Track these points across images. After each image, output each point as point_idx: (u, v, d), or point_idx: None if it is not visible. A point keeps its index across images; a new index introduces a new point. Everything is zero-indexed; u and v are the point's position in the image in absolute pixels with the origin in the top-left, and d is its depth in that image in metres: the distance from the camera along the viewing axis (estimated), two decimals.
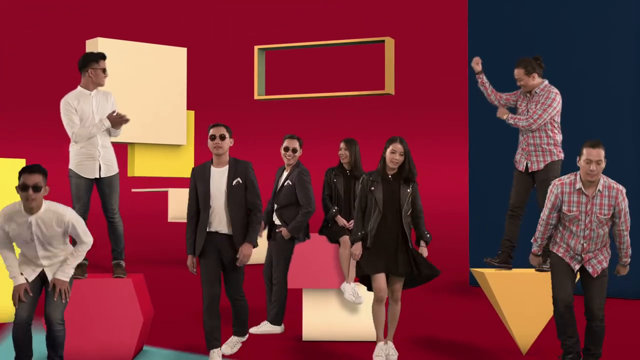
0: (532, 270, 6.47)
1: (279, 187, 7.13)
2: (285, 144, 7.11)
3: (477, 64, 6.93)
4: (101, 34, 11.94)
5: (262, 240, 7.20)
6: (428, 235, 5.90)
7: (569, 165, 6.15)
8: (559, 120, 6.55)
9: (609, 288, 5.52)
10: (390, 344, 5.93)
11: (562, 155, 6.55)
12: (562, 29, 9.76)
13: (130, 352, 5.96)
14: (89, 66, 6.11)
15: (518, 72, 6.56)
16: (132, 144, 11.84)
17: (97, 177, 6.10)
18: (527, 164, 6.58)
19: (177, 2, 24.75)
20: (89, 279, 6.06)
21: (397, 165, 5.80)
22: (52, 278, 5.15)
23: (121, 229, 6.26)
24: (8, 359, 5.67)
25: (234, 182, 5.63)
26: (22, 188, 4.93)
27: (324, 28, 22.22)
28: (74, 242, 5.34)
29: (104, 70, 6.16)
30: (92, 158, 6.07)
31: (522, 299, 6.32)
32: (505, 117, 6.63)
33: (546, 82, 6.56)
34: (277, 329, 7.12)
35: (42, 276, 5.18)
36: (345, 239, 6.84)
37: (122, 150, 11.00)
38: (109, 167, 6.15)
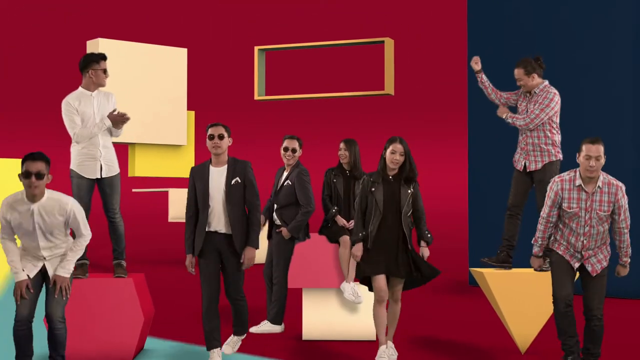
0: (531, 270, 6.48)
1: (278, 187, 7.16)
2: (284, 144, 7.13)
3: (476, 63, 6.94)
4: (102, 34, 11.97)
5: (263, 241, 7.22)
6: (429, 236, 5.88)
7: (568, 166, 6.16)
8: (558, 121, 6.56)
9: (608, 287, 5.52)
10: (390, 343, 5.93)
11: (560, 156, 6.57)
12: (561, 29, 9.77)
13: (131, 352, 5.98)
14: (90, 67, 6.12)
15: (518, 72, 6.57)
16: (133, 144, 11.86)
17: (99, 177, 6.13)
18: (525, 163, 6.60)
19: (177, 3, 24.77)
20: (90, 278, 6.08)
21: (397, 166, 5.78)
22: (52, 274, 5.15)
23: (122, 229, 6.27)
24: (9, 357, 5.69)
25: (233, 182, 5.63)
26: (24, 175, 4.95)
27: (324, 29, 22.24)
28: (73, 236, 5.35)
29: (105, 71, 6.17)
30: (93, 158, 6.09)
31: (521, 299, 6.34)
32: (504, 116, 6.66)
33: (546, 82, 6.57)
34: (277, 329, 7.14)
35: (42, 271, 5.18)
36: (345, 238, 6.86)
37: (122, 151, 11.01)
38: (110, 167, 6.17)
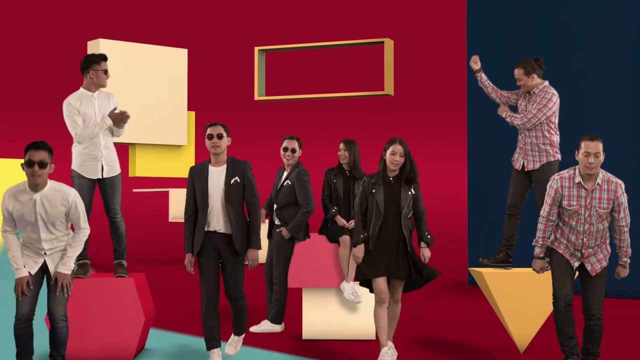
0: (530, 269, 6.49)
1: (278, 187, 7.19)
2: (284, 144, 7.16)
3: (475, 63, 6.96)
4: (102, 35, 12.00)
5: (263, 240, 7.25)
6: (429, 237, 5.85)
7: (568, 166, 6.18)
8: (556, 122, 6.57)
9: (607, 287, 5.49)
10: (390, 343, 5.94)
11: (558, 156, 6.58)
12: (561, 30, 9.78)
13: (132, 351, 6.00)
14: (91, 67, 6.13)
15: (518, 72, 6.59)
16: (133, 144, 11.89)
17: (100, 177, 6.14)
18: (523, 163, 6.61)
19: (178, 3, 24.79)
20: (91, 278, 6.09)
21: (397, 167, 5.76)
22: (53, 272, 5.13)
23: (123, 229, 6.29)
24: (9, 355, 5.71)
25: (232, 181, 5.63)
26: (27, 164, 4.95)
27: (324, 29, 22.28)
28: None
29: (106, 72, 6.18)
30: (94, 159, 6.10)
31: (520, 298, 6.35)
32: (504, 115, 6.68)
33: (546, 83, 6.58)
34: (277, 328, 7.17)
35: (43, 268, 5.16)
36: (344, 238, 6.89)
37: (123, 151, 11.05)
38: (111, 167, 6.19)
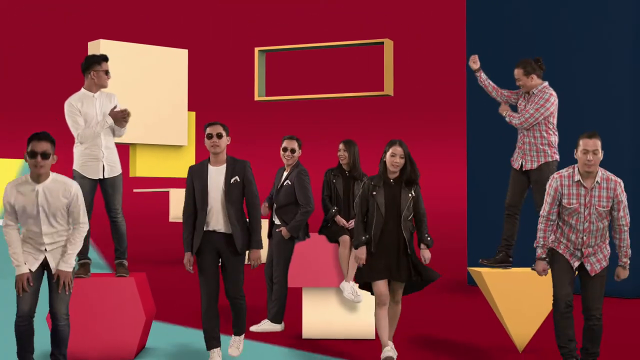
0: (529, 269, 6.51)
1: (278, 187, 7.22)
2: (284, 144, 7.20)
3: (474, 62, 6.98)
4: (103, 35, 12.03)
5: (264, 240, 7.27)
6: (429, 239, 5.82)
7: (568, 166, 6.19)
8: (555, 122, 6.58)
9: (607, 287, 5.47)
10: (390, 343, 5.93)
11: (556, 157, 6.59)
12: (560, 30, 9.79)
13: (133, 350, 6.02)
14: (92, 68, 6.15)
15: (517, 72, 6.61)
16: (134, 144, 11.92)
17: (101, 177, 6.17)
18: (522, 162, 6.64)
19: (178, 4, 24.82)
20: (92, 277, 6.11)
21: (397, 169, 5.74)
22: (55, 269, 5.12)
23: (124, 229, 6.31)
24: (10, 353, 5.74)
25: (232, 181, 5.63)
26: (30, 155, 4.96)
27: (324, 30, 22.31)
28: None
29: (107, 72, 6.20)
30: (95, 159, 6.13)
31: (519, 298, 6.37)
32: (504, 113, 6.71)
33: (545, 83, 6.59)
34: (277, 327, 7.20)
35: (43, 264, 5.14)
36: (344, 238, 6.92)
37: (124, 151, 11.09)
38: (112, 167, 6.21)
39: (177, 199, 12.91)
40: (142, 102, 11.51)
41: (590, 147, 5.19)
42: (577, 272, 5.51)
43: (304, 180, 7.08)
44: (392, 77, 11.09)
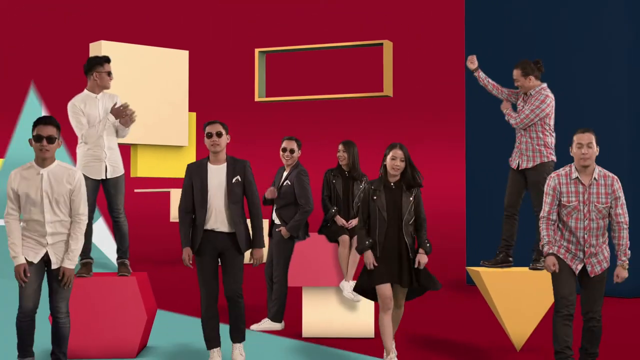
0: (526, 268, 6.56)
1: (278, 186, 7.27)
2: (283, 145, 7.25)
3: (471, 62, 7.01)
4: (104, 37, 12.08)
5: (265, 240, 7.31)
6: (428, 245, 5.75)
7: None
8: (552, 124, 6.60)
9: (606, 287, 5.43)
10: (394, 350, 5.77)
11: (552, 157, 6.60)
12: (558, 31, 9.81)
13: (135, 349, 6.05)
14: (94, 69, 6.18)
15: (516, 73, 6.65)
16: (135, 145, 11.97)
17: (104, 178, 6.20)
18: (518, 162, 6.68)
19: (179, 6, 24.86)
20: (94, 277, 6.14)
21: (398, 172, 5.70)
22: (58, 266, 5.09)
23: (126, 229, 6.33)
24: (10, 353, 5.78)
25: (234, 180, 5.65)
26: (36, 139, 4.99)
27: (324, 31, 22.35)
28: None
29: (109, 73, 6.23)
30: (98, 160, 6.16)
31: (517, 297, 6.39)
32: (505, 111, 6.75)
33: (544, 85, 6.62)
34: (277, 326, 7.25)
35: (45, 259, 5.12)
36: (344, 238, 6.98)
37: (125, 151, 11.14)
38: (115, 168, 6.24)
39: (177, 199, 12.96)
40: (143, 102, 11.55)
41: (584, 141, 5.21)
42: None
43: (304, 180, 7.13)
44: (392, 78, 11.14)
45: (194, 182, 5.67)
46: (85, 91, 6.23)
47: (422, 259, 5.69)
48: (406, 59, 20.07)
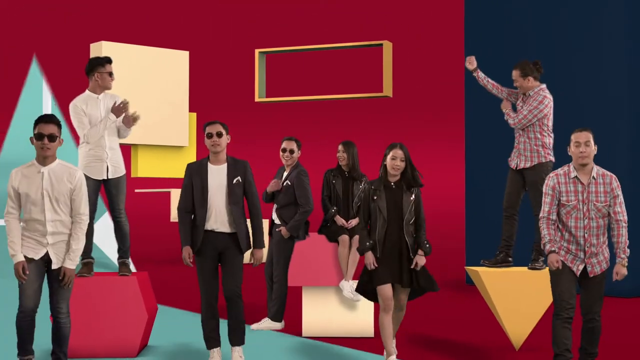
0: (525, 268, 6.58)
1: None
2: (283, 145, 7.27)
3: (470, 63, 7.02)
4: (105, 37, 12.10)
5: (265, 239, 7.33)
6: (427, 246, 5.73)
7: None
8: (550, 124, 6.61)
9: (605, 286, 5.41)
10: (394, 350, 5.81)
11: (551, 158, 6.61)
12: (557, 32, 9.83)
13: (135, 348, 6.07)
14: (96, 70, 6.20)
15: (515, 74, 6.67)
16: (136, 145, 12.00)
17: (105, 178, 6.21)
18: (517, 162, 6.71)
19: (179, 6, 24.89)
20: (95, 276, 6.16)
21: (398, 172, 5.70)
22: (59, 266, 5.10)
23: (127, 229, 6.35)
24: (10, 352, 5.80)
25: (234, 181, 5.65)
26: (37, 137, 5.00)
27: (324, 32, 22.38)
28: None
29: (111, 74, 6.25)
30: (100, 160, 6.18)
31: (516, 297, 6.41)
32: (505, 110, 6.78)
33: (542, 86, 6.63)
34: (277, 325, 7.27)
35: (45, 259, 5.12)
36: (344, 238, 7.00)
37: (125, 152, 11.15)
38: (116, 168, 6.26)
39: (178, 200, 12.98)
40: (143, 103, 11.57)
41: (582, 139, 5.21)
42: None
43: (304, 180, 7.16)
44: (391, 78, 11.16)
45: (194, 181, 5.67)
46: (87, 92, 6.25)
47: (420, 260, 5.68)
48: (406, 59, 20.11)
